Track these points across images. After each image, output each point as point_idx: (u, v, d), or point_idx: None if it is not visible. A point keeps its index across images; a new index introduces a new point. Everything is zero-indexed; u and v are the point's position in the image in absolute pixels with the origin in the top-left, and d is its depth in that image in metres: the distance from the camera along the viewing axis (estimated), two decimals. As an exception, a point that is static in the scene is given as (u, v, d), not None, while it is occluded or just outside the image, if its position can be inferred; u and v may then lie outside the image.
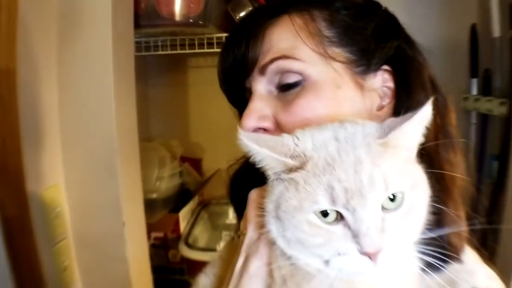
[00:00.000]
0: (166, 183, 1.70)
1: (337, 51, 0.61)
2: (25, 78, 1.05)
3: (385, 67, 0.63)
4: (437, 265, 0.51)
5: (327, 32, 0.61)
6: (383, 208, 0.43)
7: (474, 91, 2.01)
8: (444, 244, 0.53)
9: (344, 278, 0.45)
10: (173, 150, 1.87)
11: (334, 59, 0.60)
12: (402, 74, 0.62)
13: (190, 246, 1.61)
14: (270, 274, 0.50)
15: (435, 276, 0.50)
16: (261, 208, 0.49)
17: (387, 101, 0.62)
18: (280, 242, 0.47)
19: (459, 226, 0.57)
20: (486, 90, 1.95)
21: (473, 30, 2.00)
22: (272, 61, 0.61)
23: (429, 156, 0.57)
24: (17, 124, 1.03)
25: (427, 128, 0.53)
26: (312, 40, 0.61)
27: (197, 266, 0.70)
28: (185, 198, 1.85)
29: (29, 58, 1.09)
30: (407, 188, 0.43)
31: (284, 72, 0.61)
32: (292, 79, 0.60)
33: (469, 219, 0.61)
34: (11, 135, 1.02)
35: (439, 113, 0.61)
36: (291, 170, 0.46)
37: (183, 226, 1.71)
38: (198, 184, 1.97)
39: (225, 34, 1.63)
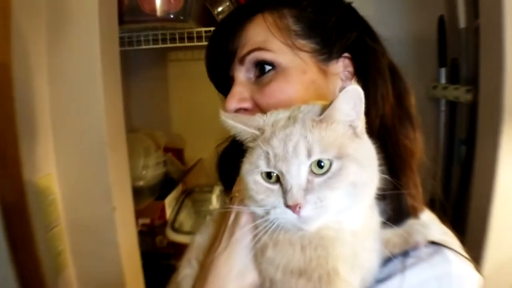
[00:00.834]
0: (152, 171, 1.76)
1: (303, 43, 0.72)
2: (18, 74, 1.09)
3: (346, 54, 0.74)
4: (396, 220, 0.62)
5: (295, 27, 0.73)
6: (312, 172, 0.52)
7: (443, 80, 2.10)
8: (402, 204, 0.64)
9: (316, 231, 0.54)
10: (157, 140, 1.93)
11: (300, 49, 0.72)
12: (360, 61, 0.73)
13: (176, 230, 1.68)
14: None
15: (394, 228, 0.62)
16: None
17: (348, 83, 0.72)
18: (245, 199, 0.58)
19: (416, 190, 0.67)
20: (454, 78, 2.03)
21: (441, 22, 2.07)
22: (249, 52, 0.72)
23: (388, 130, 0.68)
24: (14, 116, 1.08)
25: (388, 107, 0.64)
26: (281, 34, 0.72)
27: (184, 250, 0.75)
28: (169, 186, 1.91)
29: (21, 55, 1.13)
30: (333, 156, 0.51)
31: (259, 61, 0.72)
32: (267, 66, 0.72)
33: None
34: (9, 126, 1.07)
35: (399, 95, 0.73)
36: (253, 139, 0.56)
37: (168, 212, 1.77)
38: (181, 173, 2.03)
39: (204, 29, 1.69)
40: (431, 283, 0.61)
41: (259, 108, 0.72)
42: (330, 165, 0.52)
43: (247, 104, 0.73)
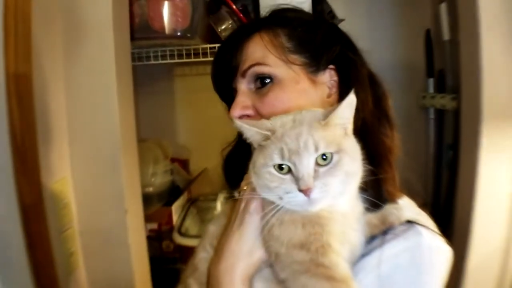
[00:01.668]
0: (160, 178, 1.84)
1: (295, 57, 0.83)
2: (37, 85, 1.17)
3: (331, 66, 0.85)
4: (376, 205, 0.73)
5: (288, 44, 0.84)
6: (318, 164, 0.64)
7: (431, 89, 2.21)
8: (382, 191, 0.74)
9: (314, 212, 0.65)
10: (165, 150, 2.01)
11: (293, 63, 0.83)
12: (343, 71, 0.85)
13: (183, 234, 1.75)
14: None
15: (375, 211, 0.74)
16: None
17: (334, 91, 0.86)
18: (257, 188, 0.69)
19: (393, 179, 0.79)
20: (441, 88, 2.13)
21: (428, 35, 2.20)
22: (250, 67, 0.84)
23: (369, 130, 0.79)
24: (34, 123, 1.15)
25: (366, 110, 0.75)
26: (277, 51, 0.83)
27: (189, 254, 0.84)
28: (175, 194, 1.98)
29: (40, 67, 1.21)
30: (333, 151, 0.64)
31: (258, 74, 0.83)
32: (265, 78, 0.83)
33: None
34: (29, 132, 1.14)
35: (378, 99, 0.84)
36: (265, 139, 0.67)
37: (175, 218, 1.84)
38: (187, 182, 2.11)
39: (209, 45, 1.77)
40: (405, 253, 0.71)
41: (260, 115, 0.82)
42: (331, 157, 0.64)
43: (249, 111, 0.84)
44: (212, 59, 0.95)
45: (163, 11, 1.61)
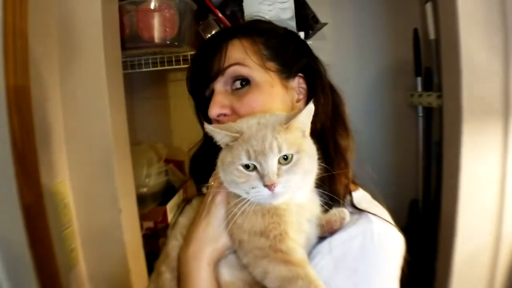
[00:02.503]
0: (154, 179, 1.93)
1: (271, 64, 0.92)
2: (36, 95, 1.25)
3: (300, 74, 0.95)
4: (332, 199, 0.82)
5: (265, 51, 0.92)
6: (280, 163, 0.72)
7: (419, 87, 2.27)
8: (337, 186, 0.83)
9: (274, 204, 0.74)
10: (159, 152, 2.09)
11: (269, 69, 0.91)
12: (310, 79, 0.95)
13: (177, 232, 1.83)
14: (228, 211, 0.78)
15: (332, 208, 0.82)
16: None
17: (302, 96, 0.95)
18: (225, 183, 0.77)
19: (347, 176, 0.86)
20: (428, 86, 2.19)
21: (415, 34, 2.26)
22: (231, 65, 0.90)
23: (327, 132, 0.88)
24: (33, 130, 1.23)
25: (325, 115, 0.84)
26: (255, 56, 0.91)
27: None
28: (171, 193, 2.06)
29: (38, 78, 1.29)
30: (294, 152, 0.73)
31: (237, 75, 0.90)
32: (243, 80, 0.90)
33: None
34: (28, 139, 1.22)
35: (336, 106, 0.94)
36: (233, 140, 0.75)
37: (170, 217, 1.93)
38: (182, 182, 2.18)
39: (197, 52, 1.87)
40: (356, 238, 0.78)
41: (237, 115, 0.89)
42: (292, 157, 0.72)
43: (227, 111, 0.90)
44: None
45: (151, 22, 1.70)
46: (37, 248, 1.23)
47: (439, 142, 2.02)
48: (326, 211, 0.81)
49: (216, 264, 0.80)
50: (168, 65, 1.88)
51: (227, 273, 0.80)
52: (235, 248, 0.77)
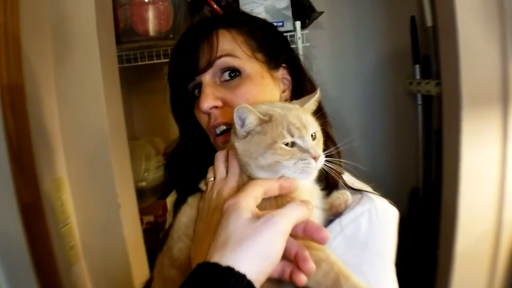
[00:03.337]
0: (152, 174, 1.93)
1: (259, 55, 0.90)
2: (30, 92, 1.25)
3: (284, 65, 0.94)
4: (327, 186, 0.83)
5: (252, 43, 0.90)
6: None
7: (418, 75, 2.26)
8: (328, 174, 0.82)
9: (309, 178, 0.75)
10: (157, 146, 2.09)
11: (258, 60, 0.90)
12: (294, 71, 0.95)
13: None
14: None
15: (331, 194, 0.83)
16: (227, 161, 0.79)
17: (287, 87, 0.95)
18: (258, 170, 0.74)
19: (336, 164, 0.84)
20: (426, 73, 2.18)
21: (412, 21, 2.24)
22: (220, 56, 0.87)
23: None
24: (28, 129, 1.24)
25: None
26: (245, 46, 0.89)
27: None
28: (170, 187, 2.05)
29: (32, 76, 1.29)
30: (316, 130, 0.75)
31: (228, 66, 0.87)
32: (233, 71, 0.87)
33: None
34: (24, 138, 1.22)
35: (311, 92, 0.91)
36: (260, 124, 0.74)
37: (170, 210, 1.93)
38: (181, 175, 2.18)
39: (193, 43, 1.85)
40: (363, 215, 0.81)
41: (229, 107, 0.86)
42: (315, 135, 0.75)
43: (219, 103, 0.87)
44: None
45: (146, 15, 1.69)
46: (36, 247, 1.23)
47: (438, 130, 2.03)
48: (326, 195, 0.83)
49: None
50: (164, 58, 1.86)
51: None
52: None
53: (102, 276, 1.53)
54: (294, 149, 0.72)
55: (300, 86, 0.93)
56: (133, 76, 2.28)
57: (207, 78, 0.88)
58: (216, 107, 0.87)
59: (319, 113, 0.84)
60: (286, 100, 0.92)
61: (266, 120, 0.74)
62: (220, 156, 0.81)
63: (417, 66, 2.28)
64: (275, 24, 1.09)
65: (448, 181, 1.71)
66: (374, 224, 0.81)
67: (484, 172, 1.60)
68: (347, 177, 0.90)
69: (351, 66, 2.46)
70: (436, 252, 1.82)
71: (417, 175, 2.41)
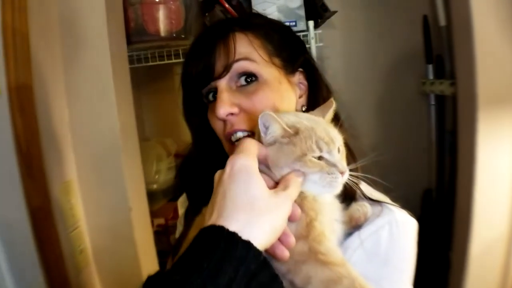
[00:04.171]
0: (164, 175, 1.91)
1: (276, 60, 0.87)
2: (40, 94, 1.23)
3: (300, 69, 0.92)
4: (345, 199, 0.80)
5: (269, 46, 0.87)
6: None
7: (431, 75, 2.23)
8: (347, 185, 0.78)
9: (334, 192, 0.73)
10: (168, 148, 2.06)
11: (275, 64, 0.86)
12: (310, 75, 0.93)
13: (188, 228, 1.81)
14: None
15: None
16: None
17: (303, 92, 0.92)
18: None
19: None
20: (439, 73, 2.15)
21: (425, 21, 2.21)
22: (237, 60, 0.83)
23: None
24: (37, 131, 1.22)
25: None
26: (262, 50, 0.86)
27: None
28: (181, 190, 2.03)
29: (41, 77, 1.27)
30: (341, 143, 0.74)
31: (245, 71, 0.84)
32: (250, 76, 0.84)
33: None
34: (33, 140, 1.20)
35: (327, 96, 0.90)
36: (285, 136, 0.71)
37: (181, 212, 1.90)
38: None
39: (205, 43, 1.83)
40: (383, 228, 0.79)
41: (246, 113, 0.83)
42: (339, 149, 0.73)
43: (235, 109, 0.83)
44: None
45: (157, 15, 1.66)
46: (46, 251, 1.21)
47: (452, 131, 2.00)
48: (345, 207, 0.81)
49: None
50: (175, 58, 1.84)
51: None
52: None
53: (112, 280, 1.51)
54: (322, 162, 0.71)
55: (317, 91, 0.90)
56: (143, 76, 2.27)
57: (223, 83, 0.85)
58: (232, 113, 0.84)
59: (337, 123, 0.81)
60: (302, 106, 0.91)
61: (291, 133, 0.71)
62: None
63: (430, 66, 2.25)
64: (287, 23, 1.05)
65: (462, 183, 1.69)
66: (394, 237, 0.79)
67: (499, 173, 1.58)
68: (364, 187, 0.86)
69: (363, 65, 2.43)
70: (448, 254, 1.81)
71: (430, 176, 2.38)
